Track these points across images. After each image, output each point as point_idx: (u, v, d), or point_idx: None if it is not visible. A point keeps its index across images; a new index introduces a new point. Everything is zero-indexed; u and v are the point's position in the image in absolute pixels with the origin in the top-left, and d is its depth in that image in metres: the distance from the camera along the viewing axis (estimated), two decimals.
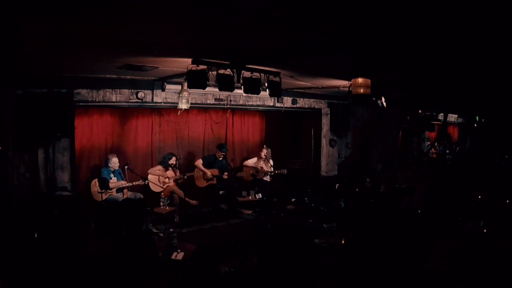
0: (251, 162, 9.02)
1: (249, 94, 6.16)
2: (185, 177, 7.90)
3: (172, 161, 7.72)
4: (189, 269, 3.15)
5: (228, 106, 8.47)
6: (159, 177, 7.63)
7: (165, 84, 7.17)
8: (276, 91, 5.85)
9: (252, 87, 5.53)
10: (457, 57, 4.58)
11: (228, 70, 5.15)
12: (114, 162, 6.91)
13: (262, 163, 8.88)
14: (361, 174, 8.37)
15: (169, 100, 7.44)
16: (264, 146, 9.16)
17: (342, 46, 3.90)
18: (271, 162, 8.88)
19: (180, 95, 6.99)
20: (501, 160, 10.87)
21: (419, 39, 3.52)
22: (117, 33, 3.57)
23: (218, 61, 4.99)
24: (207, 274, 3.05)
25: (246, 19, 3.09)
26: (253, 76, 5.50)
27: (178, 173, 7.88)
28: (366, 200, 6.40)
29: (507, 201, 6.45)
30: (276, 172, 8.74)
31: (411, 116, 12.67)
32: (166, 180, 7.65)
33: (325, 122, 10.09)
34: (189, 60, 4.81)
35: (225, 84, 5.18)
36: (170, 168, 7.75)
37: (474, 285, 3.37)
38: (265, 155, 8.84)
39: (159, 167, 7.75)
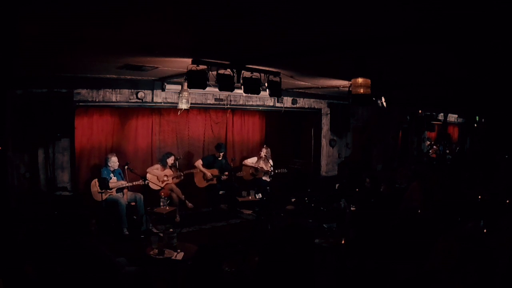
0: (250, 161, 9.01)
1: (249, 94, 6.15)
2: (183, 175, 7.90)
3: (170, 160, 7.74)
4: (192, 269, 3.15)
5: (228, 106, 8.47)
6: (157, 176, 7.64)
7: (165, 84, 7.17)
8: (276, 91, 5.85)
9: (252, 87, 5.53)
10: (457, 57, 4.58)
11: (228, 70, 5.15)
12: (114, 161, 6.90)
13: (261, 162, 8.87)
14: (361, 174, 8.36)
15: (169, 100, 7.44)
16: (264, 146, 9.16)
17: (342, 46, 3.90)
18: (271, 162, 8.88)
19: (180, 95, 6.99)
20: (501, 160, 10.86)
21: (419, 39, 3.52)
22: (117, 33, 3.57)
23: (218, 61, 4.99)
24: (210, 274, 3.06)
25: (246, 19, 3.09)
26: (253, 76, 5.50)
27: (177, 172, 7.89)
28: (366, 200, 6.40)
29: (507, 201, 6.46)
30: (276, 171, 8.74)
31: (411, 116, 12.67)
32: (165, 178, 7.66)
33: (325, 122, 10.09)
34: (189, 60, 4.80)
35: (225, 84, 5.18)
36: (168, 167, 7.76)
37: (474, 285, 3.37)
38: (264, 155, 8.83)
39: (158, 165, 7.78)
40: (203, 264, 3.10)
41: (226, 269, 4.48)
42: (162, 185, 7.49)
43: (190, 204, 8.04)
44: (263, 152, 8.87)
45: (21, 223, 4.94)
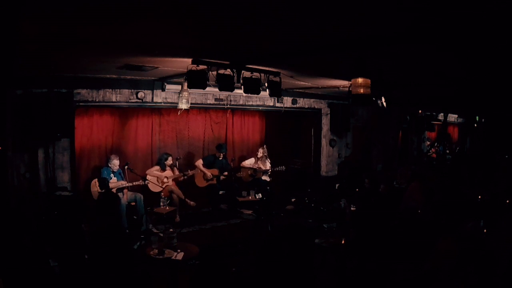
0: (248, 163, 8.99)
1: (249, 94, 6.15)
2: (185, 175, 7.87)
3: (169, 161, 7.69)
4: (198, 270, 3.16)
5: (228, 106, 8.47)
6: (157, 177, 7.62)
7: (165, 84, 7.17)
8: (276, 91, 5.85)
9: (252, 87, 5.53)
10: (457, 57, 4.58)
11: (228, 70, 5.14)
12: (115, 164, 6.90)
13: (260, 163, 8.86)
14: (361, 174, 8.36)
15: (169, 100, 7.44)
16: (264, 146, 9.15)
17: (342, 46, 3.90)
18: (269, 160, 8.87)
19: (180, 95, 6.98)
20: (501, 160, 10.86)
21: (419, 38, 3.52)
22: (117, 33, 3.56)
23: (218, 61, 4.99)
24: (217, 275, 3.07)
25: (246, 19, 3.09)
26: (253, 76, 5.50)
27: (177, 172, 7.87)
28: (366, 200, 6.41)
29: (507, 201, 6.45)
30: (275, 169, 8.73)
31: (411, 116, 12.66)
32: (165, 180, 7.64)
33: (325, 122, 10.09)
34: (189, 60, 4.80)
35: (225, 84, 5.18)
36: (168, 168, 7.74)
37: (474, 285, 3.37)
38: (262, 155, 8.83)
39: (157, 167, 7.73)
40: (210, 265, 3.11)
41: None
42: (163, 187, 7.47)
43: (192, 202, 7.96)
44: (260, 152, 8.86)
45: (21, 223, 4.95)
